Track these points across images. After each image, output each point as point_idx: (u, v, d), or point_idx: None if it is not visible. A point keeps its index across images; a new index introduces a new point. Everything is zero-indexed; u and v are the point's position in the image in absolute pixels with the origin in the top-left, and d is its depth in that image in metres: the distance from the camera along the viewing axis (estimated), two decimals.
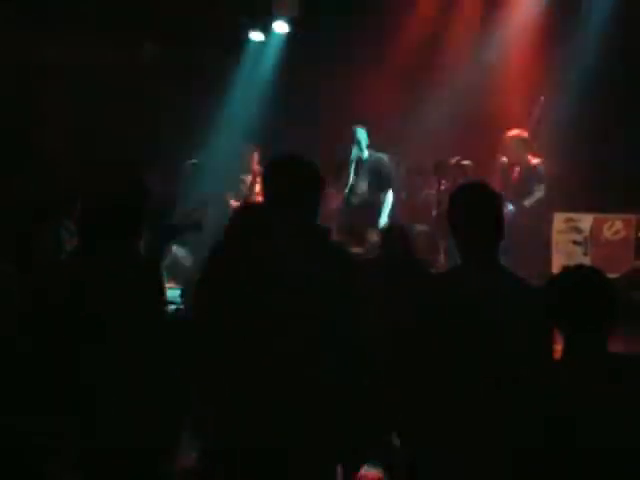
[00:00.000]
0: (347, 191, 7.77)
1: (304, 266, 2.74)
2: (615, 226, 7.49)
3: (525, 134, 7.39)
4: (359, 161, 7.84)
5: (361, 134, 7.89)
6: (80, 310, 2.78)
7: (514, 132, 7.46)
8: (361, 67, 9.16)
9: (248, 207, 3.97)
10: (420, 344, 2.87)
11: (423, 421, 2.83)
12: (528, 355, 2.71)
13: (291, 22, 9.57)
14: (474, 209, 2.93)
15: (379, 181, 7.83)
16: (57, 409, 2.80)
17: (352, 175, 7.82)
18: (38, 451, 2.80)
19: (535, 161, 7.27)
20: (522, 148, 7.34)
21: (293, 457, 2.70)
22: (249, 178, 8.82)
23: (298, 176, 2.88)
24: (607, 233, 7.51)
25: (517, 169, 7.32)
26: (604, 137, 7.88)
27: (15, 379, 2.95)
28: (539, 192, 7.15)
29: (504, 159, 7.45)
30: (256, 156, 8.80)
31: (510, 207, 6.98)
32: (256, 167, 8.69)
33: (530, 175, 7.20)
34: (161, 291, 2.99)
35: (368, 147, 7.90)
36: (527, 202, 7.16)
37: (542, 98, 7.69)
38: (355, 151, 7.81)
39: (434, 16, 9.09)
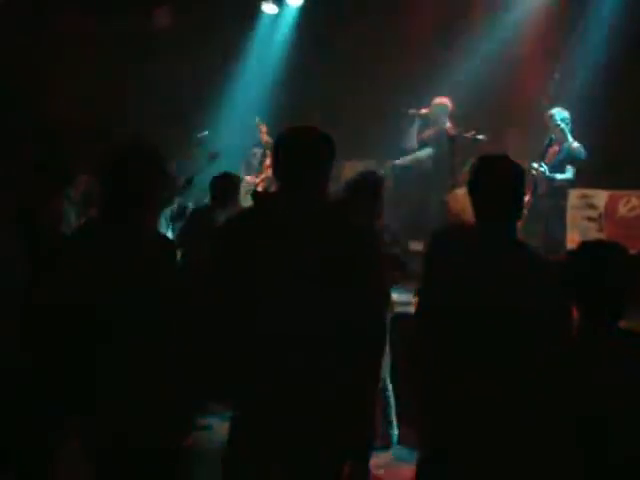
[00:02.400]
0: None
1: (318, 244, 2.66)
2: (631, 202, 7.39)
3: (566, 113, 7.15)
4: None
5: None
6: (94, 289, 2.76)
7: (557, 109, 7.05)
8: (376, 40, 9.07)
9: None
10: (440, 323, 2.83)
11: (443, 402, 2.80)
12: (546, 331, 2.66)
13: None
14: (496, 183, 2.83)
15: None
16: (64, 394, 2.79)
17: None
18: (47, 443, 2.80)
19: (575, 145, 7.05)
20: (565, 127, 7.09)
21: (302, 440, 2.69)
22: (259, 151, 8.76)
23: (309, 145, 2.79)
24: (622, 209, 7.42)
25: (556, 148, 7.12)
26: (619, 113, 7.76)
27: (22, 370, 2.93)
28: (569, 173, 6.96)
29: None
30: (265, 128, 8.71)
31: (543, 167, 6.76)
32: (266, 139, 8.61)
33: (567, 156, 7.00)
34: (173, 269, 2.96)
35: None
36: (559, 176, 6.96)
37: (557, 75, 7.55)
38: None
39: None
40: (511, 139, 8.24)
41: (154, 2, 9.34)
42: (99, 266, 2.76)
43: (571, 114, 7.03)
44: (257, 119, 8.78)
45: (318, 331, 2.63)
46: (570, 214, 7.45)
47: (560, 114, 7.03)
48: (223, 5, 9.17)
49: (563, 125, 6.96)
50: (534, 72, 8.23)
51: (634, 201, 7.36)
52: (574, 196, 7.47)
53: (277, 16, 9.95)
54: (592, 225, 7.43)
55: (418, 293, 3.41)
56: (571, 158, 6.90)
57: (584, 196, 7.51)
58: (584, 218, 7.46)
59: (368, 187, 4.77)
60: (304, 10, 9.69)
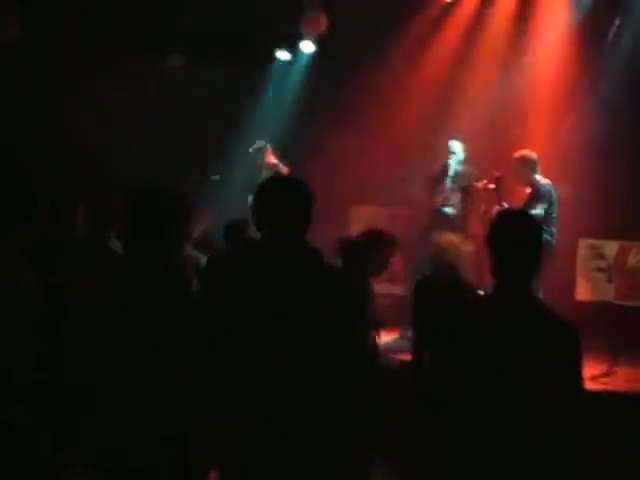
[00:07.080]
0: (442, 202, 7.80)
1: (296, 289, 2.79)
2: None
3: (534, 155, 7.08)
4: (455, 174, 7.84)
5: (456, 147, 7.86)
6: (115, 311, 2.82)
7: (522, 152, 7.09)
8: (388, 84, 9.17)
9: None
10: (446, 373, 2.84)
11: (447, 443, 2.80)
12: (557, 388, 2.66)
13: (318, 41, 9.60)
14: (514, 241, 2.84)
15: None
16: (71, 408, 2.81)
17: (448, 186, 7.85)
18: (49, 450, 2.80)
19: (544, 181, 7.02)
20: (530, 168, 7.07)
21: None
22: None
23: (283, 195, 2.92)
24: (632, 260, 7.42)
25: (528, 190, 7.09)
26: (630, 163, 7.79)
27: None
28: (537, 210, 6.85)
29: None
30: (270, 155, 8.78)
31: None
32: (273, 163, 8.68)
33: (534, 194, 6.96)
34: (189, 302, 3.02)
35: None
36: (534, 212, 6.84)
37: (567, 122, 7.59)
38: (452, 163, 7.84)
39: (462, 32, 9.07)
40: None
41: (169, 43, 9.47)
42: (120, 299, 2.80)
43: (582, 162, 7.04)
44: (265, 143, 8.82)
45: (304, 364, 2.72)
46: (580, 265, 7.46)
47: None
48: (239, 50, 9.30)
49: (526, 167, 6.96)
50: (546, 119, 8.28)
51: None
52: (584, 247, 7.49)
53: (290, 63, 10.11)
54: (601, 276, 7.42)
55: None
56: (538, 195, 6.85)
57: (594, 247, 7.51)
58: (594, 269, 7.46)
59: None
60: (316, 57, 9.83)
